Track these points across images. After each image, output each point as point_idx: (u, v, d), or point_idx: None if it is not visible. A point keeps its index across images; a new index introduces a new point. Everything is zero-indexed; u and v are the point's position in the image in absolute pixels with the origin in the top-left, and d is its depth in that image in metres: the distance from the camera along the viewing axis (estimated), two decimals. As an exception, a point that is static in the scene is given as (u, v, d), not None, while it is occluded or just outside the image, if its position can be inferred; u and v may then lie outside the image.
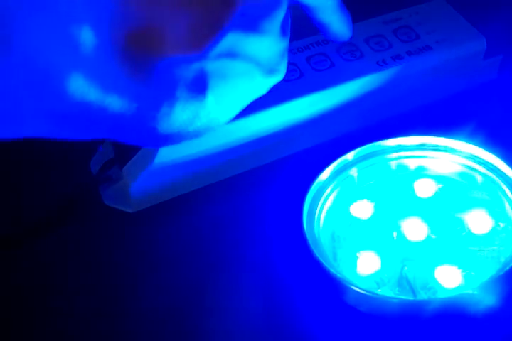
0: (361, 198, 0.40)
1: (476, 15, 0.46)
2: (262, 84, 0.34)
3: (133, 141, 0.32)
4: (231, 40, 0.31)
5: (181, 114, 0.31)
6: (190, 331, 0.37)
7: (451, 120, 0.45)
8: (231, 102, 0.33)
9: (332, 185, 0.39)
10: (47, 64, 0.27)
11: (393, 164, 0.41)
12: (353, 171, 0.40)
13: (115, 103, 0.29)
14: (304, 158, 0.43)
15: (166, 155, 0.39)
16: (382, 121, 0.45)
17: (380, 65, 0.43)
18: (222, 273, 0.39)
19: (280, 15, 0.33)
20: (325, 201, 0.39)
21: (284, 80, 0.42)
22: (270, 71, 0.34)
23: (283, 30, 0.34)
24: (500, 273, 0.34)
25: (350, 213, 0.39)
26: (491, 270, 0.36)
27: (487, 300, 0.34)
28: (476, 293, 0.34)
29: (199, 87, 0.31)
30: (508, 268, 0.34)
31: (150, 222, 0.41)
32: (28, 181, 0.43)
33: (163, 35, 0.29)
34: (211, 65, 0.31)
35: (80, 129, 0.30)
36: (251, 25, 0.31)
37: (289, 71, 0.42)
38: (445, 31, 0.45)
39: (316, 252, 0.35)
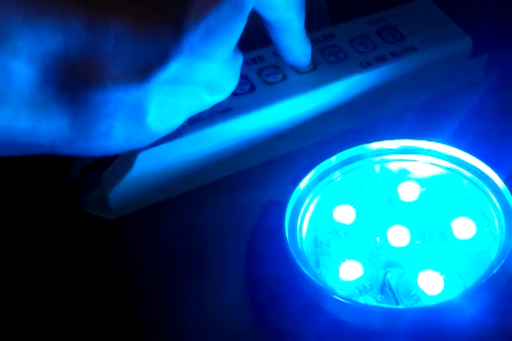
0: (344, 203, 0.39)
1: (462, 14, 0.46)
2: (205, 103, 0.34)
3: (72, 155, 0.32)
4: (177, 69, 0.30)
5: (118, 136, 0.31)
6: (170, 330, 0.36)
7: (437, 121, 0.44)
8: (172, 119, 0.33)
9: (315, 190, 0.39)
10: None
11: (376, 168, 0.40)
12: (336, 175, 0.40)
13: (46, 131, 0.29)
14: (287, 162, 0.43)
15: (146, 161, 0.38)
16: (366, 123, 0.44)
17: (364, 67, 0.43)
18: (203, 279, 0.38)
19: (233, 40, 0.32)
20: (307, 206, 0.39)
21: (267, 83, 0.42)
22: (217, 92, 0.34)
23: (235, 51, 0.34)
24: (484, 280, 0.34)
25: (333, 218, 0.39)
26: (474, 276, 0.35)
27: (470, 306, 0.34)
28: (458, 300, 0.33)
29: (139, 112, 0.31)
30: (491, 274, 0.34)
31: (130, 229, 0.41)
32: (7, 186, 0.43)
33: (104, 68, 0.29)
34: (153, 93, 0.30)
35: (13, 151, 0.30)
36: (201, 53, 0.31)
37: (271, 74, 0.42)
38: (430, 31, 0.45)
39: (298, 260, 0.35)
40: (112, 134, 0.30)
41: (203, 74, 0.32)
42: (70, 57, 0.28)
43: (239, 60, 0.35)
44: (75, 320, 0.37)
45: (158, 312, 0.37)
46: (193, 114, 0.35)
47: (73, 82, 0.28)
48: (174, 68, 0.30)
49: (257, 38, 0.41)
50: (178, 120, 0.34)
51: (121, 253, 0.40)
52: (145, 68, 0.29)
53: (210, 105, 0.35)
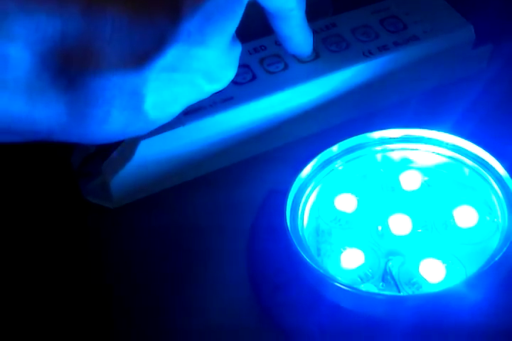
0: (346, 191, 0.39)
1: (465, 4, 0.46)
2: (204, 92, 0.34)
3: (69, 142, 0.32)
4: (174, 56, 0.30)
5: (115, 123, 0.31)
6: (169, 329, 0.36)
7: (439, 110, 0.44)
8: (170, 107, 0.33)
9: (316, 179, 0.39)
10: None
11: (378, 157, 0.40)
12: (338, 164, 0.39)
13: (43, 117, 0.29)
14: (289, 151, 0.43)
15: (147, 150, 0.38)
16: (369, 112, 0.44)
17: (366, 56, 0.42)
18: (203, 268, 0.38)
19: (231, 28, 0.32)
20: (309, 195, 0.39)
21: (269, 72, 0.42)
22: (215, 80, 0.34)
23: (234, 39, 0.34)
24: (486, 267, 0.34)
25: (334, 207, 0.39)
26: (476, 264, 0.35)
27: (472, 294, 0.34)
28: (461, 287, 0.33)
29: (136, 98, 0.31)
30: (493, 261, 0.34)
31: (131, 217, 0.41)
32: (7, 174, 0.43)
33: (101, 54, 0.29)
34: (150, 80, 0.30)
35: (10, 137, 0.30)
36: (198, 40, 0.31)
37: (273, 63, 0.42)
38: (433, 21, 0.45)
39: (299, 248, 0.35)
40: (109, 121, 0.30)
41: (200, 61, 0.32)
42: (67, 42, 0.28)
43: (237, 49, 0.35)
44: (73, 316, 0.37)
45: (158, 308, 0.37)
46: (192, 102, 0.34)
47: (70, 68, 0.28)
48: (171, 55, 0.30)
49: (259, 27, 0.41)
50: (176, 108, 0.34)
51: (122, 240, 0.40)
52: (142, 55, 0.29)
53: (209, 94, 0.35)
